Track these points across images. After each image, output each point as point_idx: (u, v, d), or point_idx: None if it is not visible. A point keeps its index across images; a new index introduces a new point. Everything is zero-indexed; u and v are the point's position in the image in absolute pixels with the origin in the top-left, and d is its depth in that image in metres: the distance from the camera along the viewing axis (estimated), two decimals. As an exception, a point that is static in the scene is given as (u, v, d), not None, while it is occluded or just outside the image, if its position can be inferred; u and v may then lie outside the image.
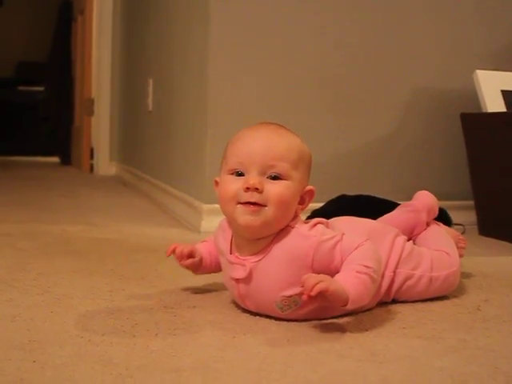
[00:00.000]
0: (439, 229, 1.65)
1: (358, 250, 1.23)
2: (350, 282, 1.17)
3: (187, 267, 1.44)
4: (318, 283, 1.12)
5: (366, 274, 1.19)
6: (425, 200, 1.69)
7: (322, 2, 2.48)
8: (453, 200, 2.54)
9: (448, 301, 1.46)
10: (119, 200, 3.33)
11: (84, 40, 4.95)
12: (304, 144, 1.30)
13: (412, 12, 2.60)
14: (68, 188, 3.83)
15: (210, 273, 1.47)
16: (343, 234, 1.25)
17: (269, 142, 1.24)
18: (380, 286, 1.36)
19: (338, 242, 1.23)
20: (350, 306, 1.16)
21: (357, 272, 1.19)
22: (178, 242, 1.45)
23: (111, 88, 4.79)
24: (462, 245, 1.66)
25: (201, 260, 1.44)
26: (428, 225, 1.65)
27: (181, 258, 1.42)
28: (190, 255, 1.43)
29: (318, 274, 1.20)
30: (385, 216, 1.67)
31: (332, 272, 1.21)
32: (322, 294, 1.12)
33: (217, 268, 1.44)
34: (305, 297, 1.13)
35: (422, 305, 1.41)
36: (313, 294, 1.11)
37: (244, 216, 1.22)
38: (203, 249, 1.45)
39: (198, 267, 1.45)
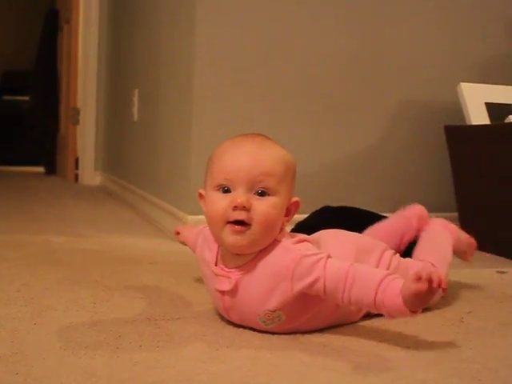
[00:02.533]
0: (436, 235, 1.64)
1: (361, 268, 1.21)
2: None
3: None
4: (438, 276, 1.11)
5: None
6: (415, 209, 1.71)
7: (309, 14, 2.49)
8: (437, 212, 2.54)
9: (431, 313, 1.47)
10: (104, 210, 3.32)
11: (70, 49, 4.94)
12: (288, 154, 1.29)
13: (399, 25, 2.61)
14: (53, 198, 3.81)
15: None
16: (329, 255, 1.23)
17: (255, 158, 1.23)
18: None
19: (321, 259, 1.21)
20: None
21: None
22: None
23: (97, 97, 4.78)
24: (470, 251, 1.70)
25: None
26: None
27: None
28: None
29: (298, 289, 1.21)
30: (375, 224, 1.69)
31: (312, 289, 1.20)
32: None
33: None
34: (443, 290, 1.12)
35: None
36: (445, 286, 1.11)
37: (231, 236, 1.21)
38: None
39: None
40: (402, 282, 1.14)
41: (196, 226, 1.57)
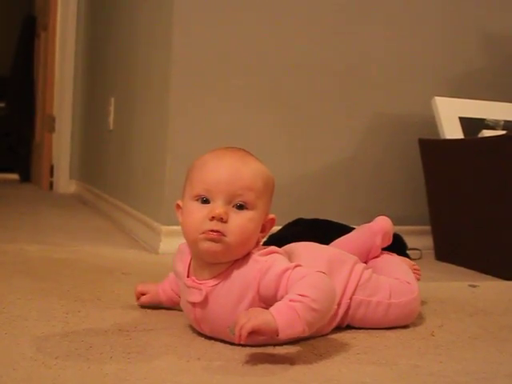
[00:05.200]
0: (396, 259, 1.66)
1: (302, 280, 1.19)
2: (281, 311, 1.14)
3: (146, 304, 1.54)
4: (242, 326, 1.11)
5: (299, 301, 1.14)
6: (382, 224, 1.70)
7: (283, 24, 2.50)
8: (410, 225, 2.56)
9: (402, 327, 1.47)
10: (78, 219, 3.31)
11: (46, 56, 4.93)
12: (268, 171, 1.30)
13: (374, 38, 2.63)
14: (27, 206, 3.79)
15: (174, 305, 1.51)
16: (297, 265, 1.24)
17: (236, 171, 1.24)
18: (336, 313, 1.38)
19: (287, 271, 1.21)
20: (282, 336, 1.13)
21: (290, 300, 1.15)
22: (141, 284, 1.56)
23: (73, 105, 4.77)
24: (417, 276, 1.67)
25: (153, 297, 1.53)
26: (381, 254, 1.67)
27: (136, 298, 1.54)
28: (142, 293, 1.54)
29: (264, 299, 1.22)
30: (342, 238, 1.69)
31: (277, 300, 1.20)
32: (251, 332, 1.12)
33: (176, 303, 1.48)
34: (236, 341, 1.13)
35: (377, 330, 1.42)
36: (242, 341, 1.12)
37: (206, 242, 1.22)
38: (159, 287, 1.53)
39: (154, 302, 1.53)
40: (294, 308, 1.15)
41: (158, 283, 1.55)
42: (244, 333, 1.11)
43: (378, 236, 1.66)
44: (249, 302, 1.23)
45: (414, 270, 1.66)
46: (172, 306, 1.51)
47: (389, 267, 1.57)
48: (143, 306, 1.54)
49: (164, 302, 1.52)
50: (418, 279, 1.64)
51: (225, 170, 1.24)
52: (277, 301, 1.20)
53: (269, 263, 1.23)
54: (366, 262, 1.62)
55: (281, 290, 1.21)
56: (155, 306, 1.53)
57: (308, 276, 1.21)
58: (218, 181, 1.23)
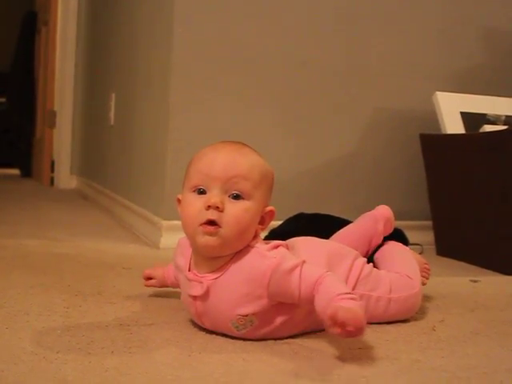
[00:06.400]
0: (404, 250, 1.65)
1: (329, 280, 1.20)
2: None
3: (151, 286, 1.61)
4: (361, 317, 1.09)
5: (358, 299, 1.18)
6: (383, 211, 1.70)
7: (285, 24, 2.50)
8: (412, 220, 2.56)
9: (403, 321, 1.47)
10: (79, 214, 3.31)
11: (47, 51, 4.93)
12: (267, 164, 1.30)
13: (374, 34, 2.63)
14: (28, 201, 3.79)
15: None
16: (304, 261, 1.24)
17: (231, 160, 1.24)
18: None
19: (297, 267, 1.21)
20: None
21: (351, 299, 1.15)
22: (149, 269, 1.62)
23: (73, 100, 4.77)
24: (425, 274, 1.65)
25: (160, 281, 1.59)
26: (387, 243, 1.67)
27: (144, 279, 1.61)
28: (150, 277, 1.60)
29: (273, 296, 1.22)
30: (344, 228, 1.69)
31: (287, 296, 1.21)
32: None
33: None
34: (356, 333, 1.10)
35: (378, 325, 1.41)
36: (361, 333, 1.10)
37: (203, 237, 1.22)
38: (164, 271, 1.58)
39: (161, 286, 1.60)
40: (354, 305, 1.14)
41: (165, 265, 1.59)
42: (365, 322, 1.10)
43: (380, 223, 1.66)
44: (255, 297, 1.23)
45: (425, 269, 1.66)
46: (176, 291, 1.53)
47: (392, 259, 1.57)
48: (144, 301, 1.55)
49: (169, 285, 1.57)
50: (427, 278, 1.64)
51: (221, 160, 1.24)
52: (287, 297, 1.21)
53: (278, 259, 1.22)
54: (368, 251, 1.62)
55: (293, 288, 1.21)
56: (156, 302, 1.55)
57: (329, 275, 1.21)
58: (213, 170, 1.23)
